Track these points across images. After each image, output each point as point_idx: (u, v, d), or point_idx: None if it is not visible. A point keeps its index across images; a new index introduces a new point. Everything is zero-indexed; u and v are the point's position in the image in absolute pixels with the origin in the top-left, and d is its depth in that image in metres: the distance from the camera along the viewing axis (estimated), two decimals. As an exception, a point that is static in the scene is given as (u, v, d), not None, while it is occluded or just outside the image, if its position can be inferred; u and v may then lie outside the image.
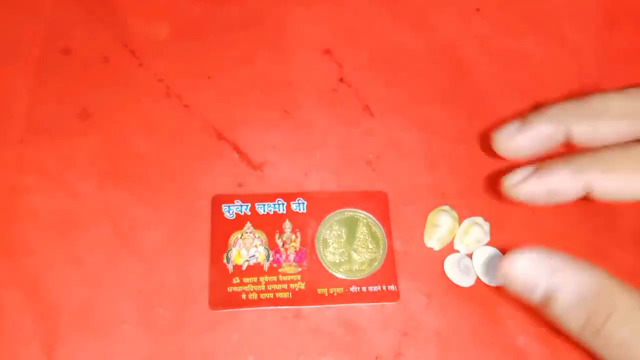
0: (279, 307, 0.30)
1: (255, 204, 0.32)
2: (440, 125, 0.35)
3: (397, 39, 0.38)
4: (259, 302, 0.30)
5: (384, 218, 0.32)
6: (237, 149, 0.34)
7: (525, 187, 0.25)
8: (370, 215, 0.32)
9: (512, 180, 0.26)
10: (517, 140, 0.26)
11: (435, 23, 0.38)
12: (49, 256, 0.31)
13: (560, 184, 0.24)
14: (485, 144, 0.35)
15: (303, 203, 0.32)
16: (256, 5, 0.38)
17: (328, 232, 0.32)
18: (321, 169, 0.34)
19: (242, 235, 0.31)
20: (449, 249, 0.32)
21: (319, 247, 0.31)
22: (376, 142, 0.34)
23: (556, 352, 0.29)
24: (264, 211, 0.32)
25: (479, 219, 0.32)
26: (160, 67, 0.36)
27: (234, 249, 0.31)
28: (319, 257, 0.31)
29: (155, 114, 0.35)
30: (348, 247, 0.31)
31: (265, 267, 0.31)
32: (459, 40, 0.38)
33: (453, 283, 0.31)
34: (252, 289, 0.30)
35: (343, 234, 0.32)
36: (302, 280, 0.31)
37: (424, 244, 0.32)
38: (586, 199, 0.25)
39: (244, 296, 0.30)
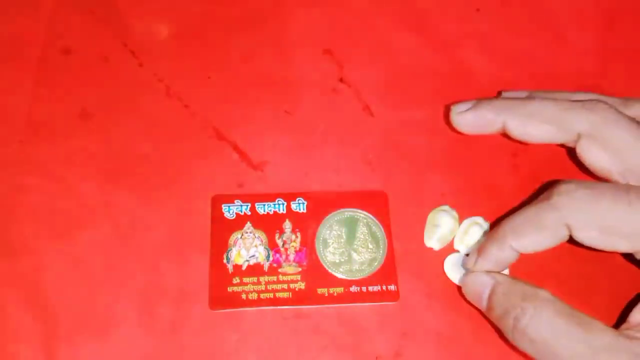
0: (279, 307, 0.30)
1: (255, 204, 0.32)
2: (440, 125, 0.35)
3: (397, 39, 0.38)
4: (259, 302, 0.30)
5: (384, 218, 0.32)
6: (237, 149, 0.34)
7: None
8: (370, 215, 0.32)
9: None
10: (465, 117, 0.32)
11: (435, 23, 0.38)
12: (49, 256, 0.31)
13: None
14: (485, 144, 0.35)
15: (303, 203, 0.32)
16: (256, 5, 0.38)
17: (328, 232, 0.32)
18: (321, 169, 0.34)
19: (242, 235, 0.31)
20: (449, 249, 0.32)
21: (319, 247, 0.31)
22: (376, 142, 0.34)
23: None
24: (264, 211, 0.32)
25: (479, 219, 0.32)
26: (160, 67, 0.36)
27: (234, 249, 0.31)
28: (319, 257, 0.31)
29: (155, 114, 0.35)
30: (348, 247, 0.31)
31: (265, 267, 0.31)
32: (459, 40, 0.38)
33: (453, 283, 0.31)
34: (252, 289, 0.30)
35: (343, 234, 0.32)
36: (302, 280, 0.31)
37: (424, 244, 0.32)
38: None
39: (244, 296, 0.30)
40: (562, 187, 0.27)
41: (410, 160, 0.34)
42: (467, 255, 0.31)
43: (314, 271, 0.31)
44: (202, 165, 0.33)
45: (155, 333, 0.29)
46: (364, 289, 0.31)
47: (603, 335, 0.25)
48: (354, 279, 0.31)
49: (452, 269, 0.31)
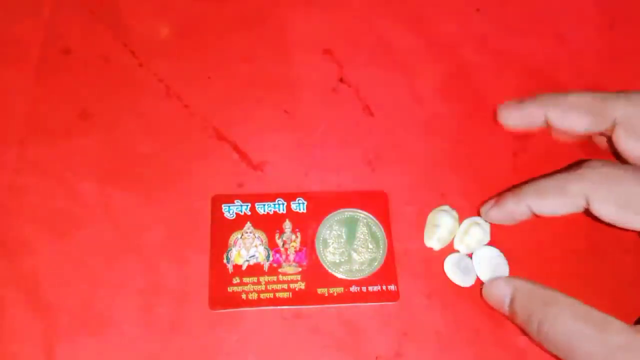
0: (279, 307, 0.30)
1: (255, 204, 0.32)
2: (440, 125, 0.35)
3: (397, 39, 0.38)
4: (259, 302, 0.30)
5: (384, 218, 0.32)
6: (237, 149, 0.34)
7: (491, 213, 0.31)
8: (370, 215, 0.32)
9: (483, 209, 0.32)
10: (512, 113, 0.33)
11: (435, 23, 0.38)
12: (49, 256, 0.31)
13: (511, 209, 0.30)
14: (486, 143, 0.35)
15: (303, 203, 0.32)
16: (256, 5, 0.38)
17: (328, 232, 0.32)
18: (321, 169, 0.34)
19: (242, 235, 0.31)
20: (449, 249, 0.32)
21: (319, 247, 0.31)
22: (376, 142, 0.34)
23: (556, 352, 0.29)
24: (264, 211, 0.32)
25: (479, 219, 0.32)
26: (160, 67, 0.36)
27: (234, 249, 0.31)
28: (319, 257, 0.31)
29: (155, 114, 0.35)
30: (348, 247, 0.31)
31: (265, 267, 0.31)
32: (459, 40, 0.38)
33: (453, 283, 0.31)
34: (252, 289, 0.30)
35: (343, 234, 0.32)
36: (302, 280, 0.31)
37: (424, 244, 0.32)
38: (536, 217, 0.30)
39: (244, 296, 0.30)
40: (592, 163, 0.29)
41: (410, 160, 0.34)
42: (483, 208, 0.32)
43: (314, 271, 0.31)
44: (202, 165, 0.33)
45: (155, 333, 0.29)
46: (364, 289, 0.31)
47: (619, 334, 0.25)
48: (354, 279, 0.31)
49: (452, 269, 0.31)
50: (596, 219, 0.28)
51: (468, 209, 0.32)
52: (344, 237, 0.32)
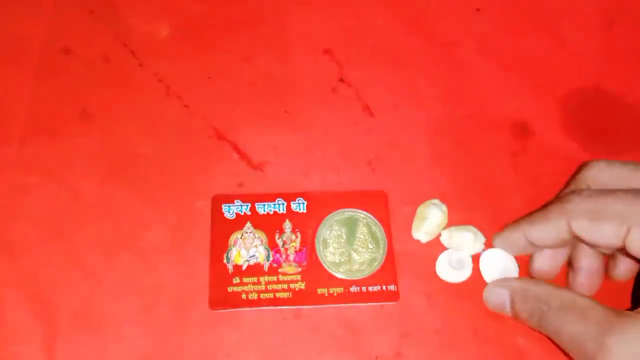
0: (279, 307, 0.30)
1: (255, 204, 0.32)
2: (440, 125, 0.35)
3: (397, 39, 0.38)
4: (259, 302, 0.30)
5: (384, 218, 0.32)
6: (237, 149, 0.34)
7: (496, 241, 0.31)
8: (370, 215, 0.32)
9: (494, 236, 0.32)
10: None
11: (435, 23, 0.38)
12: (49, 256, 0.31)
13: (510, 238, 0.31)
14: (485, 143, 0.35)
15: (303, 203, 0.32)
16: (256, 5, 0.38)
17: (328, 232, 0.32)
18: (321, 169, 0.34)
19: (242, 235, 0.31)
20: (437, 243, 0.32)
21: (319, 247, 0.31)
22: (376, 142, 0.34)
23: (555, 352, 0.29)
24: (264, 211, 0.32)
25: (471, 227, 0.32)
26: (160, 67, 0.36)
27: (234, 249, 0.31)
28: (319, 257, 0.31)
29: (155, 114, 0.35)
30: (348, 247, 0.31)
31: (265, 267, 0.31)
32: (459, 40, 0.38)
33: (452, 282, 0.31)
34: (252, 289, 0.30)
35: (343, 234, 0.32)
36: (302, 280, 0.31)
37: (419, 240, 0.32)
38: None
39: (244, 296, 0.30)
40: (575, 191, 0.29)
41: (410, 160, 0.34)
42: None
43: (314, 271, 0.31)
44: (202, 165, 0.33)
45: (155, 333, 0.29)
46: (364, 289, 0.31)
47: (597, 316, 0.26)
48: (354, 279, 0.31)
49: (444, 268, 0.31)
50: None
51: (468, 209, 0.32)
52: (344, 237, 0.32)
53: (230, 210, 0.32)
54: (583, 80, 0.37)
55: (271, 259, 0.31)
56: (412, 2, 0.39)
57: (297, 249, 0.31)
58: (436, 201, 0.32)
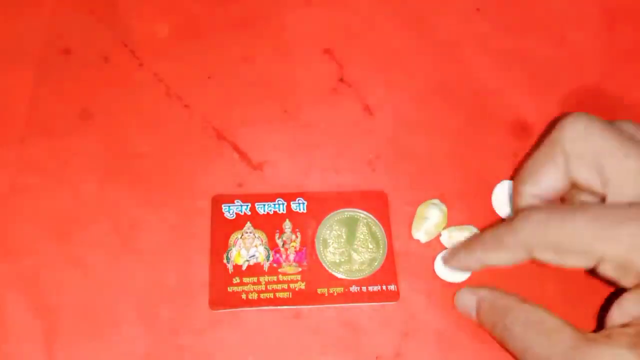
0: (279, 307, 0.30)
1: (255, 204, 0.32)
2: (440, 125, 0.35)
3: (397, 39, 0.38)
4: (259, 302, 0.30)
5: (384, 218, 0.32)
6: (237, 149, 0.34)
7: (448, 262, 0.31)
8: (370, 215, 0.32)
9: (441, 256, 0.31)
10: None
11: (435, 23, 0.38)
12: (49, 256, 0.31)
13: (464, 262, 0.30)
14: (486, 143, 0.35)
15: (303, 203, 0.32)
16: (256, 5, 0.38)
17: (328, 232, 0.32)
18: (321, 169, 0.34)
19: (242, 235, 0.31)
20: (437, 242, 0.32)
21: (319, 247, 0.31)
22: (376, 142, 0.34)
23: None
24: (264, 211, 0.32)
25: (470, 227, 0.32)
26: (160, 67, 0.36)
27: (234, 249, 0.31)
28: (319, 257, 0.31)
29: (155, 114, 0.35)
30: (348, 247, 0.31)
31: (265, 267, 0.31)
32: (459, 40, 0.38)
33: (452, 282, 0.31)
34: (252, 289, 0.30)
35: (343, 234, 0.32)
36: (302, 280, 0.31)
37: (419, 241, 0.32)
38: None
39: (244, 296, 0.30)
40: (524, 212, 0.27)
41: (410, 160, 0.34)
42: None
43: (314, 271, 0.31)
44: (202, 165, 0.33)
45: (155, 333, 0.29)
46: (364, 289, 0.31)
47: (565, 340, 0.25)
48: (354, 279, 0.31)
49: (443, 268, 0.31)
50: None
51: (468, 209, 0.33)
52: (344, 237, 0.32)
53: (230, 210, 0.32)
54: (583, 80, 0.37)
55: (271, 259, 0.31)
56: (412, 2, 0.39)
57: (297, 249, 0.31)
58: (436, 201, 0.32)
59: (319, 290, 0.30)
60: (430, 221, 0.32)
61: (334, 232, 0.32)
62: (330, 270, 0.31)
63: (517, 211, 0.29)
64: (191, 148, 0.34)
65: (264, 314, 0.30)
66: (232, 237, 0.31)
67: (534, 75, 0.37)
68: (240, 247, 0.31)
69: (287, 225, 0.32)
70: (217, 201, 0.32)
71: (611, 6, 0.39)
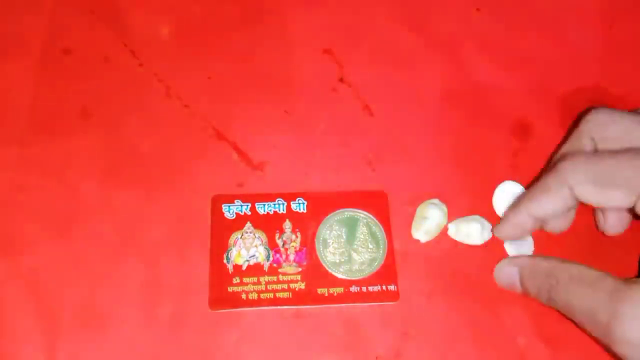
0: (279, 307, 0.30)
1: (255, 204, 0.32)
2: (440, 125, 0.35)
3: (397, 39, 0.38)
4: (259, 302, 0.30)
5: (384, 218, 0.32)
6: (237, 149, 0.34)
7: (499, 230, 0.31)
8: (370, 215, 0.32)
9: (493, 229, 0.32)
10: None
11: (435, 23, 0.38)
12: (49, 255, 0.31)
13: (514, 221, 0.30)
14: (485, 143, 0.35)
15: (303, 203, 0.32)
16: (256, 5, 0.38)
17: (328, 232, 0.32)
18: (321, 169, 0.34)
19: (242, 235, 0.31)
20: (436, 242, 0.32)
21: (319, 247, 0.31)
22: (376, 142, 0.34)
23: (556, 352, 0.29)
24: (264, 211, 0.32)
25: (477, 217, 0.32)
26: (160, 67, 0.36)
27: (234, 249, 0.31)
28: (319, 257, 0.31)
29: (155, 113, 0.35)
30: (348, 247, 0.31)
31: (265, 267, 0.31)
32: (459, 40, 0.38)
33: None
34: (252, 289, 0.30)
35: (343, 234, 0.32)
36: (302, 280, 0.31)
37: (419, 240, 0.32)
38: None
39: (244, 296, 0.30)
40: (567, 156, 0.29)
41: (410, 160, 0.34)
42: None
43: (314, 271, 0.31)
44: (202, 165, 0.33)
45: (155, 332, 0.29)
46: (364, 289, 0.31)
47: (606, 287, 0.26)
48: (354, 279, 0.31)
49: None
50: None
51: (468, 209, 0.32)
52: (344, 237, 0.32)
53: (230, 210, 0.32)
54: (583, 80, 0.37)
55: (271, 259, 0.31)
56: (412, 2, 0.39)
57: (297, 249, 0.31)
58: (436, 201, 0.32)
59: (319, 291, 0.30)
60: (430, 221, 0.32)
61: (334, 232, 0.32)
62: (330, 271, 0.31)
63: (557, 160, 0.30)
64: (191, 148, 0.34)
65: (264, 314, 0.30)
66: (232, 237, 0.31)
67: (534, 75, 0.37)
68: (240, 247, 0.31)
69: (287, 225, 0.32)
70: (217, 201, 0.32)
71: (611, 6, 0.39)
